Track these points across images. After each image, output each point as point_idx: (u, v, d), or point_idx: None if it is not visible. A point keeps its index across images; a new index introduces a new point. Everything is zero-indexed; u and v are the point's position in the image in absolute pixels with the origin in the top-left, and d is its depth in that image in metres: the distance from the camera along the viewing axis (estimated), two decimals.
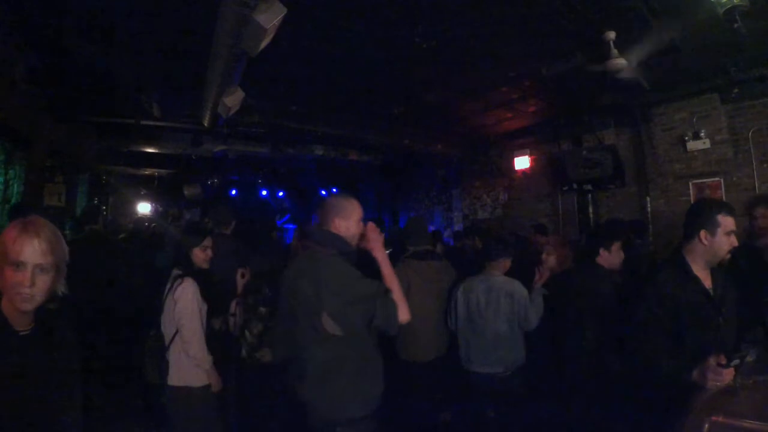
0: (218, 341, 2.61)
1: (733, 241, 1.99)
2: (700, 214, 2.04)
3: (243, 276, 2.73)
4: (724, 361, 1.60)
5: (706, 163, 5.32)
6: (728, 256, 2.03)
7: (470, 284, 3.18)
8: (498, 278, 3.13)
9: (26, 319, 1.30)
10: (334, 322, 1.79)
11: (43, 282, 1.26)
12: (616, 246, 3.03)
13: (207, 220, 4.59)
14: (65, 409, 1.36)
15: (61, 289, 1.36)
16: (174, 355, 2.43)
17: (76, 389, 1.40)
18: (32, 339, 1.29)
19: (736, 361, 1.60)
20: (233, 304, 2.64)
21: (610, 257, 3.00)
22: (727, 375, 1.61)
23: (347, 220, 1.99)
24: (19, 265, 1.22)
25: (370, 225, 2.03)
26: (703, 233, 2.00)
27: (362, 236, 1.99)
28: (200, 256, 2.61)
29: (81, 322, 1.42)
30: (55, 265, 1.29)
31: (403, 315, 1.82)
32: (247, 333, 2.53)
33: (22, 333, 1.27)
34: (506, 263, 3.19)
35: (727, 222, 1.96)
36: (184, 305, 2.41)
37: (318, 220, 2.06)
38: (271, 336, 2.53)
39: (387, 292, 1.84)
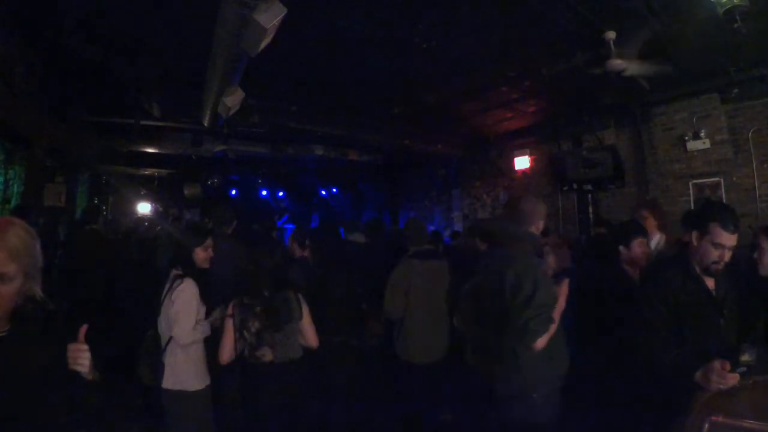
0: (217, 342, 2.60)
1: (723, 255, 1.88)
2: (698, 215, 2.03)
3: None
4: (728, 367, 1.60)
5: (706, 163, 5.31)
6: (719, 267, 1.91)
7: None
8: None
9: (1, 321, 1.29)
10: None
11: (5, 291, 1.23)
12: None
13: (207, 220, 4.59)
14: (39, 411, 1.33)
15: (38, 293, 1.34)
16: (170, 357, 2.41)
17: (53, 392, 1.37)
18: (6, 341, 1.28)
19: (743, 369, 1.59)
20: (231, 306, 2.63)
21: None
22: (732, 380, 1.60)
23: (542, 220, 2.34)
24: None
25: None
26: (694, 234, 1.97)
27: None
28: (202, 255, 2.61)
29: (80, 322, 1.40)
30: (22, 273, 1.26)
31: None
32: (245, 332, 2.51)
33: None
34: None
35: (717, 233, 1.87)
36: (182, 306, 2.40)
37: (520, 222, 2.36)
38: (270, 335, 2.52)
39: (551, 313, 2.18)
